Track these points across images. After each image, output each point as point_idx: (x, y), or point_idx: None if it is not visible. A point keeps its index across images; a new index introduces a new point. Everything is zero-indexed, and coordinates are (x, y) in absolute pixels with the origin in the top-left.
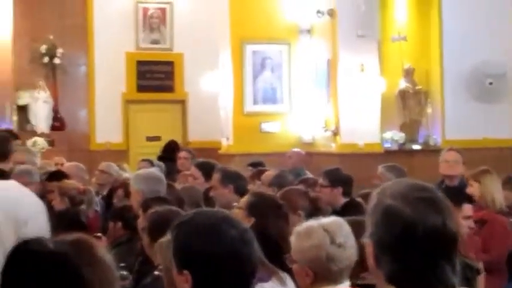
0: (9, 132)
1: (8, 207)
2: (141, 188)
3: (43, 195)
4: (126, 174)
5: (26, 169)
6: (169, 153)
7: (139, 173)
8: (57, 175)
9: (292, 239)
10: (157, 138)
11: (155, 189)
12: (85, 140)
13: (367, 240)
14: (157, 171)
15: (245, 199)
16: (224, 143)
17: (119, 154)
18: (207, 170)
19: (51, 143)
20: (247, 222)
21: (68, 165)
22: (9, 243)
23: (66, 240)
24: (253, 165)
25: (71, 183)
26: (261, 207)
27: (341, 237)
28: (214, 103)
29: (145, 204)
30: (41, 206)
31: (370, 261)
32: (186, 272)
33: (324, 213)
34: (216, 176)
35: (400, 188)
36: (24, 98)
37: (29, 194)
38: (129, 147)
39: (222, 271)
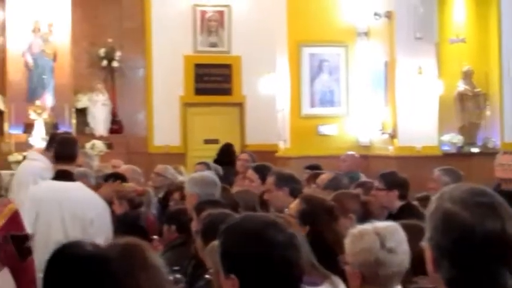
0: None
1: (74, 207)
2: (195, 191)
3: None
4: (182, 177)
5: (83, 172)
6: (225, 156)
7: (194, 176)
8: (114, 177)
9: (347, 241)
10: (215, 141)
11: (210, 193)
12: (143, 143)
13: (425, 244)
14: (211, 174)
15: (296, 206)
16: (281, 146)
17: (177, 157)
18: (263, 173)
19: (109, 146)
20: (302, 230)
21: (123, 168)
22: None
23: (117, 244)
24: (311, 168)
25: (128, 185)
26: (313, 215)
27: (392, 242)
28: (271, 106)
29: (199, 207)
30: (105, 207)
31: (429, 265)
32: (233, 276)
33: (376, 217)
34: (270, 179)
35: (459, 192)
36: (83, 101)
37: (93, 195)
38: (187, 150)
39: (269, 275)
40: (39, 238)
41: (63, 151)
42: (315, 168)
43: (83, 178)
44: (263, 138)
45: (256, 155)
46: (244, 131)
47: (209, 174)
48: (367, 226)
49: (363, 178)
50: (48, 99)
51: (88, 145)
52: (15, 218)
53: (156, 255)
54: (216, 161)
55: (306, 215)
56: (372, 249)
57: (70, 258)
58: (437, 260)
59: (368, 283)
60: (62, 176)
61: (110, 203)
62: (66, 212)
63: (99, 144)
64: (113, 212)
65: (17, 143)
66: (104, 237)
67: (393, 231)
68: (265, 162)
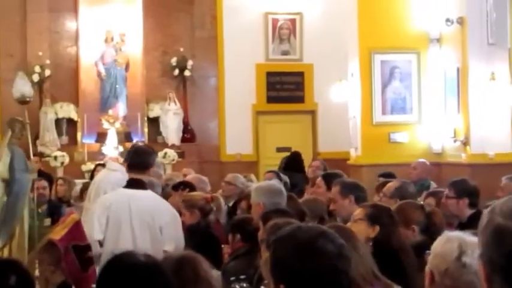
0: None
1: (144, 214)
2: (261, 200)
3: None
4: (253, 186)
5: (150, 181)
6: (294, 164)
7: (260, 185)
8: (183, 186)
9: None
10: (287, 149)
11: (276, 202)
12: (215, 152)
13: (479, 261)
14: (277, 183)
15: (362, 210)
16: (353, 153)
17: (249, 165)
18: (331, 181)
19: (181, 154)
20: (371, 232)
21: (190, 177)
22: (145, 248)
23: (172, 256)
24: (384, 176)
25: (197, 194)
26: (382, 216)
27: (470, 258)
28: (343, 113)
29: (265, 217)
30: (175, 215)
31: (482, 282)
32: (282, 286)
33: (440, 229)
34: (335, 189)
35: (510, 205)
36: (155, 110)
37: (163, 203)
38: (259, 158)
39: (318, 286)
40: (108, 244)
41: (137, 160)
42: (388, 176)
43: (150, 187)
44: (335, 145)
45: (328, 162)
46: (317, 139)
47: (275, 183)
48: (458, 234)
49: (434, 186)
50: (120, 109)
51: (160, 154)
52: (77, 228)
53: (209, 268)
54: (284, 169)
55: (375, 215)
56: (447, 258)
57: (122, 268)
58: (490, 276)
59: (435, 287)
60: (133, 184)
61: (179, 212)
62: (136, 218)
63: (171, 153)
64: (182, 223)
65: (89, 152)
66: (173, 246)
67: (476, 247)
68: (336, 170)
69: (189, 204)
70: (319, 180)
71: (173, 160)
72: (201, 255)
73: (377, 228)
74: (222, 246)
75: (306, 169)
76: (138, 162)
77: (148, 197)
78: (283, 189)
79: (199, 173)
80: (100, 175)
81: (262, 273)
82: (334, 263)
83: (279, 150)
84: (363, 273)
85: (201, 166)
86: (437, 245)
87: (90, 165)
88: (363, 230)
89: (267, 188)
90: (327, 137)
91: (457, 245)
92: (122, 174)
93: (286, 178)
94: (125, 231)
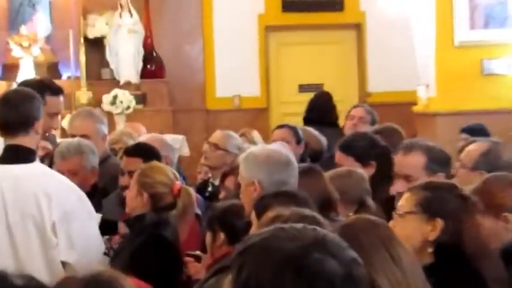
0: None
1: (28, 204)
2: (257, 177)
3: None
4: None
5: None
6: (321, 112)
7: (254, 153)
8: (140, 154)
9: None
10: (316, 88)
11: (280, 180)
12: (198, 94)
13: None
14: (283, 148)
15: (410, 198)
16: (422, 94)
17: (254, 116)
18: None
19: (141, 99)
20: (430, 231)
21: (146, 138)
22: (30, 260)
23: (74, 280)
24: (469, 131)
25: (161, 174)
26: (447, 202)
27: None
28: (405, 30)
29: (261, 204)
30: (82, 201)
31: None
32: None
33: None
34: (414, 158)
35: None
36: (97, 27)
37: (63, 182)
38: (271, 103)
39: None
40: None
41: (8, 114)
42: (477, 133)
43: (78, 155)
44: (393, 82)
45: (381, 109)
46: (364, 71)
47: (280, 148)
48: None
49: None
50: (41, 25)
51: (106, 98)
52: None
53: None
54: (306, 120)
55: (435, 202)
56: None
57: None
58: None
59: None
60: (10, 154)
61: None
62: (14, 211)
63: (125, 97)
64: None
65: None
66: (77, 256)
67: None
68: (392, 124)
69: (144, 182)
70: (340, 156)
71: (128, 108)
72: (132, 276)
73: (440, 223)
74: (195, 255)
75: (343, 121)
76: (11, 117)
77: (35, 175)
78: (292, 158)
79: (172, 129)
80: None
81: None
82: None
83: (303, 89)
84: None
85: (174, 118)
86: None
87: None
88: (415, 230)
89: (266, 157)
90: (380, 69)
91: None
92: None
93: (316, 136)
94: None
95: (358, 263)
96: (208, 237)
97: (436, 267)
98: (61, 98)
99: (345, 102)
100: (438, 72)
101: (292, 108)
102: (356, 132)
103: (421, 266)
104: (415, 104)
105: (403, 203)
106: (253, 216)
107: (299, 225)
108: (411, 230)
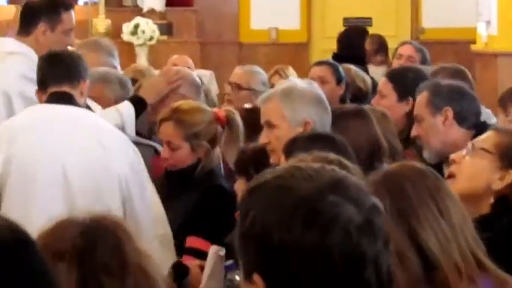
0: None
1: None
2: (313, 117)
3: None
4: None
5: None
6: (355, 49)
7: (294, 87)
8: None
9: None
10: (364, 23)
11: (327, 121)
12: (231, 25)
13: None
14: (313, 86)
15: (493, 137)
16: (482, 32)
17: (293, 51)
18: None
19: (167, 29)
20: (498, 178)
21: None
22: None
23: (73, 223)
24: None
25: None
26: None
27: None
28: None
29: (289, 149)
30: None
31: None
32: (257, 277)
33: None
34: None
35: None
36: None
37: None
38: (311, 38)
39: (319, 285)
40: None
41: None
42: None
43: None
44: (450, 18)
45: (436, 47)
46: (419, 5)
47: (309, 85)
48: None
49: None
50: None
51: (127, 27)
52: None
53: (131, 238)
54: (336, 57)
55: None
56: None
57: None
58: None
59: None
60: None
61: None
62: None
63: (149, 27)
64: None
65: None
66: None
67: None
68: (457, 65)
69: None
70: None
71: (151, 39)
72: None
73: (511, 175)
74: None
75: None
76: (59, 72)
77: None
78: (323, 97)
79: (200, 64)
80: None
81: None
82: (354, 243)
83: (349, 23)
84: (455, 258)
85: (202, 51)
86: None
87: None
88: (483, 171)
89: (314, 94)
90: (436, 2)
91: None
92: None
93: (361, 74)
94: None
95: (380, 211)
96: (241, 183)
97: (491, 220)
98: (73, 12)
99: (395, 38)
100: (501, 7)
101: (336, 44)
102: (408, 66)
103: (471, 220)
104: (473, 42)
105: (484, 138)
106: (282, 159)
107: (317, 165)
108: (479, 170)
